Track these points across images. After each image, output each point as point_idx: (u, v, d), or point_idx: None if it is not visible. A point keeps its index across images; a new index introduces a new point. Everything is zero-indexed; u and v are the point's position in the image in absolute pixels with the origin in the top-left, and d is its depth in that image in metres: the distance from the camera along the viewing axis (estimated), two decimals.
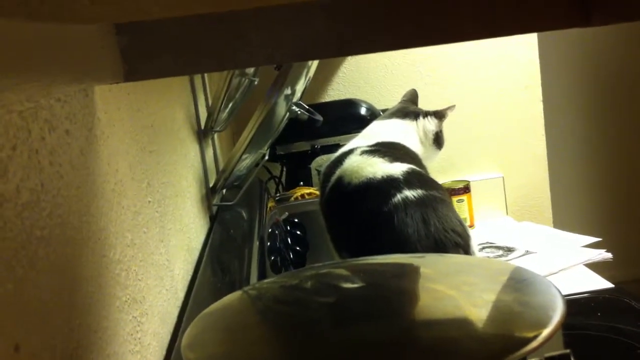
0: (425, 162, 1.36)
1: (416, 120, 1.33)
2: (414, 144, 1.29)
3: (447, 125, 1.52)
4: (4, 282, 0.33)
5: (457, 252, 1.00)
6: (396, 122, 1.32)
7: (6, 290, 0.33)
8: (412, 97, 1.43)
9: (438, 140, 1.34)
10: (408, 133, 1.30)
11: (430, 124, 1.33)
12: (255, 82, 1.31)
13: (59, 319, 0.40)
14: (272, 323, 0.50)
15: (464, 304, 0.47)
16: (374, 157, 1.12)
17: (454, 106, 1.37)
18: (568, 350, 0.43)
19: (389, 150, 1.16)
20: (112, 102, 0.59)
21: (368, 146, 1.17)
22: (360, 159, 1.13)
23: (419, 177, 1.07)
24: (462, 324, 0.44)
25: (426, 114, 1.34)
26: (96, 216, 0.49)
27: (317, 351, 0.44)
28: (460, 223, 1.03)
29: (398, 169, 1.07)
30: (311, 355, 0.43)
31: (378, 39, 0.55)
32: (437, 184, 1.09)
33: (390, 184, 1.04)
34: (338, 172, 1.13)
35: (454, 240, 1.00)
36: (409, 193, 1.02)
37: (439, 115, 1.35)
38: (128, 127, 0.64)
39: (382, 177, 1.06)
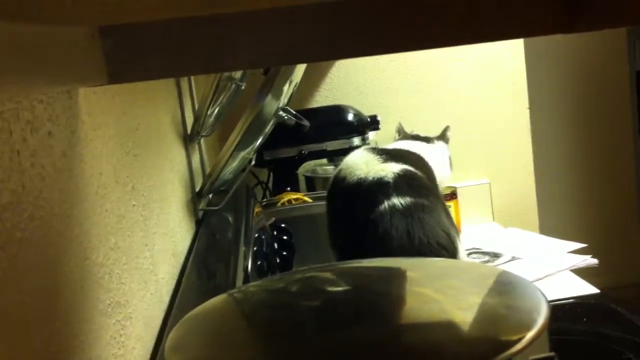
0: (443, 186, 1.40)
1: (432, 144, 1.40)
2: (439, 168, 1.31)
3: (433, 130, 1.53)
4: None
5: None
6: (422, 144, 1.38)
7: None
8: (402, 131, 1.53)
9: (450, 162, 1.42)
10: (439, 156, 1.36)
11: (444, 147, 1.41)
12: (243, 87, 1.31)
13: (40, 321, 0.39)
14: (257, 326, 0.50)
15: (450, 307, 0.47)
16: (372, 154, 1.12)
17: (448, 127, 1.44)
18: (552, 353, 0.43)
19: (393, 151, 1.17)
20: (96, 105, 0.58)
21: (377, 146, 1.21)
22: (361, 154, 1.14)
23: (409, 181, 1.05)
24: (448, 327, 0.44)
25: (435, 139, 1.42)
26: (79, 219, 0.49)
27: (302, 355, 0.43)
28: (447, 234, 1.01)
29: (390, 170, 1.06)
30: (296, 359, 0.43)
31: (363, 44, 0.56)
32: (430, 189, 1.08)
33: (379, 189, 1.03)
34: (341, 164, 1.16)
35: (439, 254, 0.99)
36: (397, 201, 1.01)
37: (444, 138, 1.43)
38: (113, 130, 0.63)
39: (373, 179, 1.05)
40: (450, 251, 1.00)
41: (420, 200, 1.02)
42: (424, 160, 1.22)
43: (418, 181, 1.07)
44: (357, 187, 1.06)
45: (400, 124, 1.55)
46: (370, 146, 1.20)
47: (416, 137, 1.44)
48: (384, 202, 1.01)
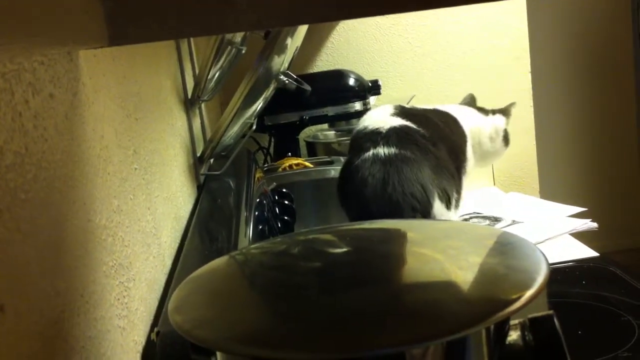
0: (493, 159, 1.42)
1: (487, 116, 1.37)
2: (485, 140, 1.33)
3: (434, 95, 1.53)
4: None
5: (415, 217, 1.00)
6: (473, 111, 1.36)
7: None
8: (472, 102, 1.46)
9: (507, 137, 1.39)
10: (482, 126, 1.34)
11: (500, 121, 1.38)
12: (243, 51, 1.30)
13: (44, 282, 0.40)
14: (259, 287, 0.50)
15: (450, 267, 0.47)
16: (389, 109, 1.16)
17: (514, 103, 1.42)
18: (552, 312, 0.44)
19: (411, 110, 1.19)
20: (97, 68, 0.58)
21: (404, 104, 1.22)
22: (379, 109, 1.18)
23: (401, 135, 1.07)
24: (448, 287, 0.44)
25: (493, 112, 1.39)
26: (81, 181, 0.49)
27: (304, 315, 0.44)
28: (423, 187, 1.03)
29: (389, 123, 1.09)
30: (297, 319, 0.43)
31: (365, 4, 0.55)
32: (421, 145, 1.08)
33: (370, 138, 1.08)
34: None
35: (411, 204, 1.01)
36: (382, 150, 1.05)
37: (506, 112, 1.39)
38: (114, 93, 0.63)
39: (371, 129, 1.09)
40: (422, 204, 1.01)
41: (404, 152, 1.05)
42: (450, 122, 1.23)
43: (411, 136, 1.09)
44: (356, 135, 1.12)
45: (470, 96, 1.50)
46: (398, 104, 1.23)
47: (470, 105, 1.43)
48: (369, 149, 1.06)
